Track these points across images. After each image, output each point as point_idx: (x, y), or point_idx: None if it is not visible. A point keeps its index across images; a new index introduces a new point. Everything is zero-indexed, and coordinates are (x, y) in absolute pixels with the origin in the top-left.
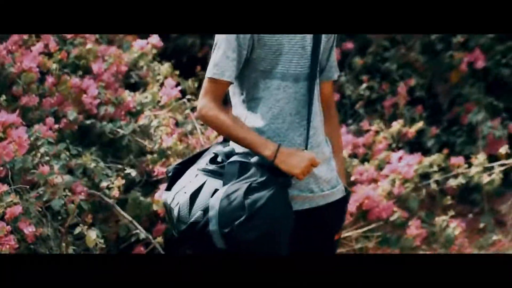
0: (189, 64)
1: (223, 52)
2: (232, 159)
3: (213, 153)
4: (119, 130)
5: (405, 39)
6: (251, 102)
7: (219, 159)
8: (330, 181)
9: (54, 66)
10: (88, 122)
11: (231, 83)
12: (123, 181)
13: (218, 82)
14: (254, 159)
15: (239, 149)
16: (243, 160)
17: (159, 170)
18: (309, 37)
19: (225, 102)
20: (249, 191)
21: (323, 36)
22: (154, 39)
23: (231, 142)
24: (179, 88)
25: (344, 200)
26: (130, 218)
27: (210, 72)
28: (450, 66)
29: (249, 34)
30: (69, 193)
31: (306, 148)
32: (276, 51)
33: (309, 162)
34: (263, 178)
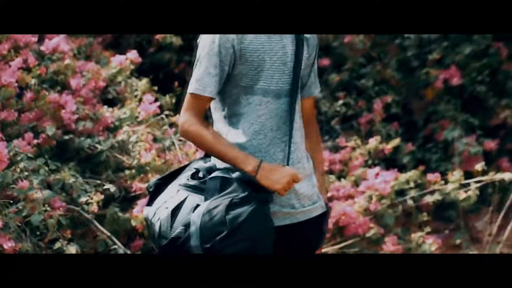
0: (165, 80)
1: (205, 68)
2: (213, 174)
3: (194, 168)
4: (97, 145)
5: (381, 55)
6: (233, 118)
7: (200, 174)
8: (311, 197)
9: (33, 81)
10: (66, 137)
11: (213, 98)
12: (102, 196)
13: (200, 97)
14: (235, 175)
15: (220, 164)
16: (224, 175)
17: (137, 185)
18: (290, 54)
19: (206, 117)
20: (231, 206)
21: (305, 52)
22: (133, 54)
23: (212, 158)
24: (158, 103)
25: (325, 215)
26: (108, 234)
27: (192, 87)
28: (425, 83)
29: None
30: (48, 208)
31: (287, 164)
32: (258, 67)
33: (290, 178)
34: (245, 194)
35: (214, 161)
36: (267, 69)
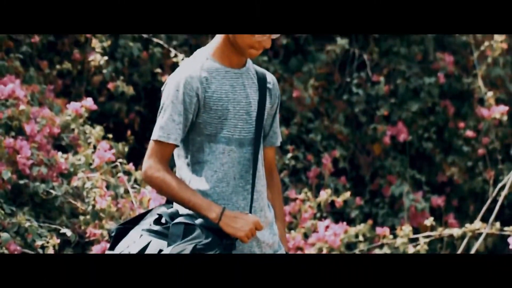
0: (116, 129)
1: (169, 116)
2: (177, 220)
3: (157, 214)
4: (52, 191)
5: (329, 111)
6: (196, 165)
7: (163, 220)
8: (273, 246)
9: None
10: (21, 182)
11: (176, 146)
12: (58, 241)
13: (164, 144)
14: (199, 221)
15: (183, 210)
16: (188, 221)
17: (92, 231)
18: (254, 103)
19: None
20: (194, 252)
21: (267, 102)
22: (88, 102)
23: (174, 204)
24: (113, 151)
25: None
26: None
27: (156, 134)
28: (373, 139)
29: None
30: (6, 251)
31: (250, 212)
32: (221, 116)
33: (253, 226)
34: (208, 240)
35: (177, 207)
36: (231, 118)
